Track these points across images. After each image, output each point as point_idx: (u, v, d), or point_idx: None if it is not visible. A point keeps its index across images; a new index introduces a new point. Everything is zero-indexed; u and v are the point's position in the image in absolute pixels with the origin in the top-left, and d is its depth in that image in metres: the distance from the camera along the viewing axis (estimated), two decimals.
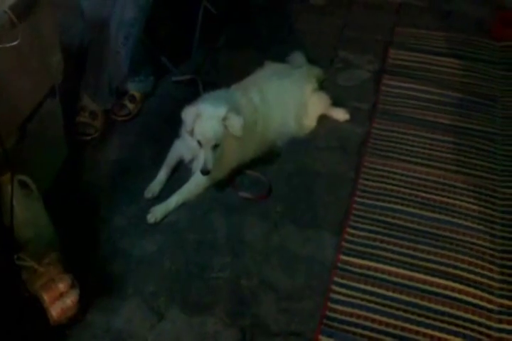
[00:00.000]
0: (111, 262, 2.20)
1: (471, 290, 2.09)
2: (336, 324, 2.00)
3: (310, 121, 2.75)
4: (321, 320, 2.01)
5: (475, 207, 2.39)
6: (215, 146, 2.29)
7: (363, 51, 3.23)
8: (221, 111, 2.29)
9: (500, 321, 2.01)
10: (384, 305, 2.05)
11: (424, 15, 3.51)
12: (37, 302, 1.87)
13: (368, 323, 2.00)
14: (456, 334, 1.97)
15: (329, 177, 2.54)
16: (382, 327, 1.99)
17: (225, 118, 2.28)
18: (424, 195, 2.44)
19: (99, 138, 2.71)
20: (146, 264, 2.20)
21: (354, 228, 2.31)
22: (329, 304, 2.06)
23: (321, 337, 1.96)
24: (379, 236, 2.27)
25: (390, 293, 2.09)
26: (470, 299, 2.07)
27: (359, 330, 1.98)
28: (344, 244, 2.25)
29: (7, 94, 1.96)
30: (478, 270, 2.16)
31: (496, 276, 2.15)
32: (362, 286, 2.11)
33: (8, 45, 1.79)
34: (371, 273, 2.15)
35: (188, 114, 2.31)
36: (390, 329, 1.98)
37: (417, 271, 2.16)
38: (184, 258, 2.22)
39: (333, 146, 2.69)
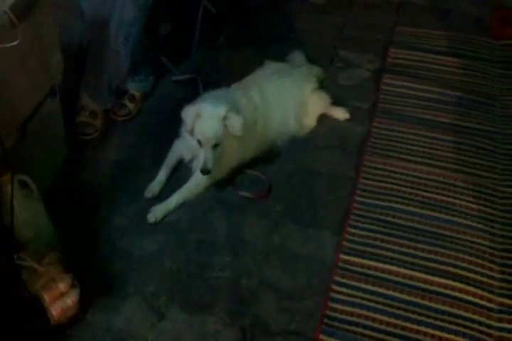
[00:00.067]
0: (111, 262, 2.20)
1: (472, 289, 2.09)
2: (336, 323, 2.00)
3: (310, 121, 2.75)
4: (322, 320, 2.01)
5: (475, 206, 2.39)
6: (215, 146, 2.29)
7: (363, 50, 3.23)
8: (221, 110, 2.29)
9: (500, 320, 2.01)
10: (384, 305, 2.05)
11: (424, 14, 3.51)
12: (37, 302, 1.87)
13: (368, 322, 2.00)
14: (456, 333, 1.97)
15: (329, 176, 2.54)
16: (383, 327, 1.99)
17: (225, 118, 2.28)
18: (424, 193, 2.44)
19: (99, 138, 2.71)
20: (147, 264, 2.20)
21: (354, 227, 2.31)
22: (330, 303, 2.06)
23: (321, 336, 1.96)
24: (379, 236, 2.28)
25: (391, 292, 2.09)
26: (470, 298, 2.07)
27: (359, 329, 1.98)
28: (344, 243, 2.25)
29: (7, 94, 1.96)
30: (478, 269, 2.16)
31: (496, 275, 2.15)
32: (362, 285, 2.11)
33: (8, 45, 1.79)
34: (371, 272, 2.15)
35: (188, 113, 2.32)
36: (391, 329, 1.98)
37: (417, 270, 2.16)
38: (184, 258, 2.22)
39: (333, 145, 2.69)
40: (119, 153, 2.65)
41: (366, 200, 2.42)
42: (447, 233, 2.29)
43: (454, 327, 1.98)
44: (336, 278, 2.13)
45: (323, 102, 2.80)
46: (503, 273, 2.16)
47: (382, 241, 2.26)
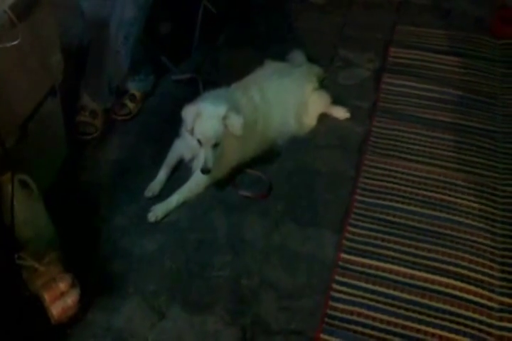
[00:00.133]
0: (111, 261, 2.20)
1: (472, 288, 2.09)
2: (336, 322, 2.00)
3: (310, 120, 2.74)
4: (322, 319, 2.01)
5: (476, 205, 2.38)
6: (215, 145, 2.29)
7: (363, 49, 3.23)
8: (221, 110, 2.29)
9: (501, 319, 2.01)
10: (385, 304, 2.05)
11: (424, 13, 3.50)
12: (37, 301, 1.87)
13: (369, 321, 2.00)
14: (457, 332, 1.97)
15: (329, 175, 2.54)
16: (384, 326, 1.99)
17: (225, 117, 2.28)
18: (424, 193, 2.44)
19: (99, 138, 2.71)
20: (147, 263, 2.20)
21: (355, 226, 2.31)
22: (330, 302, 2.06)
23: (321, 335, 1.96)
24: (380, 235, 2.27)
25: (391, 291, 2.09)
26: (471, 297, 2.07)
27: (360, 329, 1.98)
28: (345, 242, 2.25)
29: (7, 94, 1.96)
30: (479, 268, 2.16)
31: (496, 274, 2.15)
32: (363, 285, 2.11)
33: (8, 44, 1.79)
34: (372, 271, 2.15)
35: (188, 113, 2.31)
36: (391, 328, 1.98)
37: (418, 269, 2.16)
38: (185, 257, 2.22)
39: (334, 145, 2.69)
40: (120, 152, 2.65)
41: (366, 199, 2.41)
42: (448, 232, 2.28)
43: (455, 326, 1.98)
44: (337, 277, 2.13)
45: (324, 102, 2.79)
46: (503, 272, 2.15)
47: (382, 240, 2.26)
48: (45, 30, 2.14)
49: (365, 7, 3.58)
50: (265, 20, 3.48)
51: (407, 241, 2.25)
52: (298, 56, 3.02)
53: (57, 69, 2.29)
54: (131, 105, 2.84)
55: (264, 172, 2.54)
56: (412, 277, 2.13)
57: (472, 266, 2.16)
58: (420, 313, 2.02)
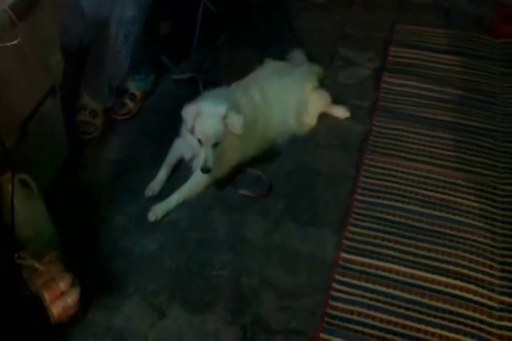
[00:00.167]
0: (111, 261, 2.20)
1: (472, 287, 2.09)
2: (336, 322, 2.00)
3: (310, 119, 2.74)
4: (322, 318, 2.01)
5: (476, 205, 2.39)
6: (216, 144, 2.29)
7: (363, 49, 3.23)
8: (221, 109, 2.28)
9: (501, 318, 2.01)
10: (385, 303, 2.05)
11: (424, 12, 3.50)
12: (38, 300, 1.87)
13: (369, 321, 2.00)
14: (457, 331, 1.97)
15: (330, 175, 2.54)
16: (384, 325, 1.99)
17: (225, 117, 2.28)
18: (424, 192, 2.44)
19: (99, 137, 2.71)
20: (147, 262, 2.20)
21: (355, 226, 2.31)
22: (330, 302, 2.06)
23: (322, 334, 1.96)
24: (380, 234, 2.28)
25: (391, 291, 2.09)
26: (471, 296, 2.07)
27: (360, 328, 1.98)
28: (345, 241, 2.25)
29: (7, 93, 1.96)
30: (479, 267, 2.16)
31: (496, 273, 2.15)
32: (363, 284, 2.11)
33: (8, 44, 1.79)
34: (372, 270, 2.15)
35: (189, 112, 2.31)
36: (391, 327, 1.98)
37: (418, 268, 2.16)
38: (185, 257, 2.22)
39: (334, 144, 2.69)
40: (120, 152, 2.65)
41: (367, 199, 2.42)
42: (448, 231, 2.28)
43: (455, 325, 1.98)
44: (337, 277, 2.13)
45: (324, 101, 2.79)
46: (503, 271, 2.16)
47: (382, 239, 2.26)
48: (45, 30, 2.14)
49: (365, 6, 3.58)
50: (265, 19, 3.48)
51: (407, 241, 2.25)
52: (298, 55, 3.02)
53: (57, 69, 2.29)
54: (131, 104, 2.84)
55: (265, 171, 2.54)
56: (412, 276, 2.13)
57: (472, 265, 2.16)
58: (420, 312, 2.02)
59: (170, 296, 2.09)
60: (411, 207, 2.38)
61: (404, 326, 1.99)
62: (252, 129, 2.44)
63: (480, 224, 2.31)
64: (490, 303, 2.05)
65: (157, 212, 2.34)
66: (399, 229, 2.29)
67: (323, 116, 2.80)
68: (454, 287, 2.09)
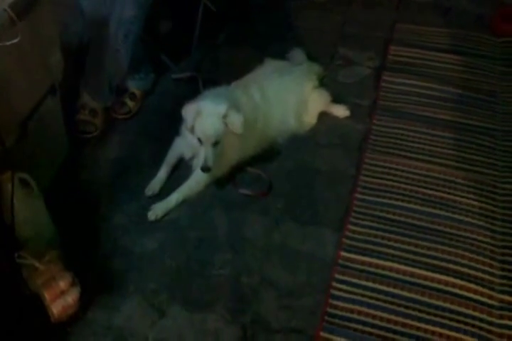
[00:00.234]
0: (111, 260, 2.20)
1: (472, 285, 2.09)
2: (337, 320, 2.00)
3: (310, 118, 2.75)
4: (322, 317, 2.01)
5: (475, 203, 2.39)
6: (216, 143, 2.29)
7: (363, 48, 3.23)
8: (221, 108, 2.28)
9: (501, 317, 2.01)
10: (385, 302, 2.05)
11: (425, 11, 3.50)
12: (38, 300, 1.87)
13: (369, 319, 2.00)
14: (457, 330, 1.97)
15: (330, 174, 2.54)
16: (384, 324, 1.99)
17: (225, 116, 2.28)
18: (424, 191, 2.44)
19: (99, 136, 2.71)
20: (147, 262, 2.20)
21: (355, 224, 2.31)
22: (330, 300, 2.06)
23: (322, 333, 1.96)
24: (380, 233, 2.28)
25: (391, 290, 2.09)
26: (471, 295, 2.07)
27: (360, 327, 1.98)
28: (345, 240, 2.25)
29: (7, 93, 1.96)
30: (478, 266, 2.16)
31: (496, 272, 2.15)
32: (363, 283, 2.11)
33: (8, 43, 1.79)
34: (372, 269, 2.15)
35: (189, 111, 2.31)
36: (391, 325, 1.98)
37: (418, 267, 2.16)
38: (185, 256, 2.22)
39: (334, 143, 2.69)
40: (120, 151, 2.65)
41: (367, 198, 2.42)
42: (448, 230, 2.28)
43: (455, 324, 1.98)
44: (337, 276, 2.13)
45: (324, 100, 2.79)
46: (503, 269, 2.16)
47: (382, 238, 2.26)
48: (44, 29, 2.14)
49: (365, 5, 3.58)
50: (265, 18, 3.48)
51: (407, 239, 2.25)
52: (298, 54, 3.02)
53: (57, 68, 2.30)
54: (131, 104, 2.84)
55: (264, 170, 2.54)
56: (412, 275, 2.13)
57: (472, 264, 2.17)
58: (420, 311, 2.02)
59: (170, 295, 2.09)
60: (411, 205, 2.38)
61: (404, 324, 1.99)
62: (252, 128, 2.44)
63: (480, 223, 2.31)
64: (490, 302, 2.05)
65: (157, 211, 2.34)
66: (399, 228, 2.29)
67: (323, 115, 2.80)
68: (454, 285, 2.09)
